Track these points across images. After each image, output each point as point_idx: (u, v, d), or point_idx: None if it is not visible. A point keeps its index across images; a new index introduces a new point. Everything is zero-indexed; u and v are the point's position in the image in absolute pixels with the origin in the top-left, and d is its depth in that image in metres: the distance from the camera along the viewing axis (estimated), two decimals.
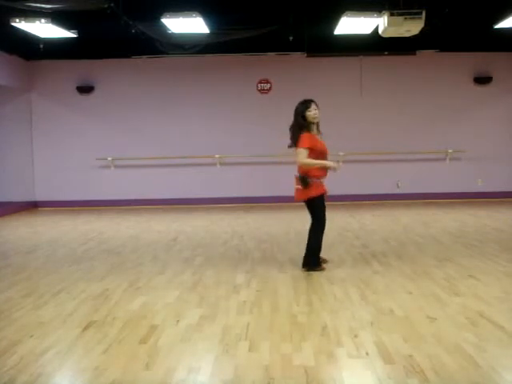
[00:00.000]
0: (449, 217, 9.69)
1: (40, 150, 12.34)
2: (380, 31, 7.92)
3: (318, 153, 5.57)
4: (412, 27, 7.59)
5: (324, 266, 5.81)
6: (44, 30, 8.48)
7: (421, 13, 7.39)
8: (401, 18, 7.42)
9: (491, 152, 12.16)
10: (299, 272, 5.75)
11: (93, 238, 8.22)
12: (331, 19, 8.82)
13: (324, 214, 5.66)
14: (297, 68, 12.01)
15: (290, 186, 11.66)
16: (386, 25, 7.56)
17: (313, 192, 5.56)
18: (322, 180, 5.64)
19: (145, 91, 12.14)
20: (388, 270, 5.77)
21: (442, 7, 8.02)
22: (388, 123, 12.11)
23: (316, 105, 5.66)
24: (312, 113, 5.58)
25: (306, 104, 5.63)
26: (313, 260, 5.74)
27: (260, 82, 12.14)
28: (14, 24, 8.06)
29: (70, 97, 12.20)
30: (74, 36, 9.17)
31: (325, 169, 5.64)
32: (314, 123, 5.63)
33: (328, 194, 5.71)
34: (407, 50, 11.50)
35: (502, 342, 3.62)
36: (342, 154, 11.96)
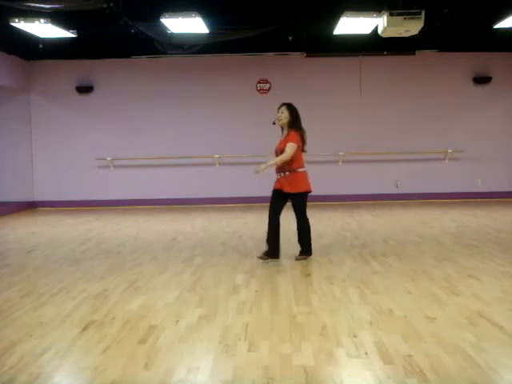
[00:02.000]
0: (448, 217, 9.70)
1: (39, 149, 12.34)
2: (379, 31, 7.93)
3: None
4: (411, 27, 7.60)
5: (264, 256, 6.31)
6: (43, 29, 8.49)
7: (420, 13, 7.40)
8: (400, 18, 7.43)
9: (490, 152, 12.17)
10: (298, 272, 5.76)
11: (92, 238, 8.21)
12: (330, 19, 8.83)
13: (270, 207, 6.34)
14: (296, 68, 12.01)
15: None
16: (386, 25, 7.56)
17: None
18: (277, 176, 6.25)
19: (144, 91, 12.14)
20: (387, 270, 5.78)
21: (442, 7, 8.02)
22: (387, 123, 12.11)
23: (285, 108, 6.17)
24: (276, 115, 6.23)
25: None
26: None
27: (259, 82, 12.14)
28: (13, 24, 8.07)
29: (69, 97, 12.20)
30: (74, 36, 9.18)
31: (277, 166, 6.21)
32: (279, 125, 6.27)
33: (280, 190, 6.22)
34: (406, 50, 11.50)
35: (502, 342, 3.62)
36: (341, 153, 11.98)
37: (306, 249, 6.39)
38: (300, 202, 6.27)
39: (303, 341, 3.71)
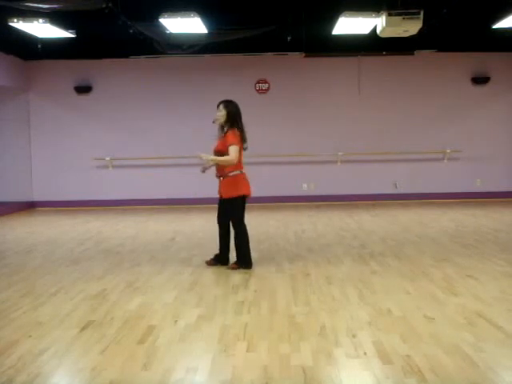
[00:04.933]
0: (447, 217, 9.70)
1: (38, 149, 12.33)
2: (378, 31, 7.92)
3: None
4: (410, 27, 7.59)
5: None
6: (42, 29, 8.47)
7: (419, 13, 7.39)
8: (399, 18, 7.42)
9: (489, 152, 12.18)
10: (297, 272, 5.75)
11: (91, 238, 8.21)
12: (329, 19, 8.82)
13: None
14: (295, 68, 12.01)
15: (288, 186, 11.70)
16: (384, 25, 7.55)
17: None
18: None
19: (142, 91, 12.13)
20: (386, 270, 5.78)
21: (440, 7, 8.03)
22: (386, 123, 12.12)
23: (223, 107, 5.72)
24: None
25: None
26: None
27: (258, 82, 12.13)
28: (11, 24, 8.04)
29: (67, 97, 12.19)
30: (72, 36, 9.16)
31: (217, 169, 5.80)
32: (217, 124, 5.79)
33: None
34: (405, 50, 11.51)
35: (500, 342, 3.62)
36: (340, 153, 11.98)
37: (242, 259, 5.90)
38: (232, 207, 5.78)
39: (302, 341, 3.71)
